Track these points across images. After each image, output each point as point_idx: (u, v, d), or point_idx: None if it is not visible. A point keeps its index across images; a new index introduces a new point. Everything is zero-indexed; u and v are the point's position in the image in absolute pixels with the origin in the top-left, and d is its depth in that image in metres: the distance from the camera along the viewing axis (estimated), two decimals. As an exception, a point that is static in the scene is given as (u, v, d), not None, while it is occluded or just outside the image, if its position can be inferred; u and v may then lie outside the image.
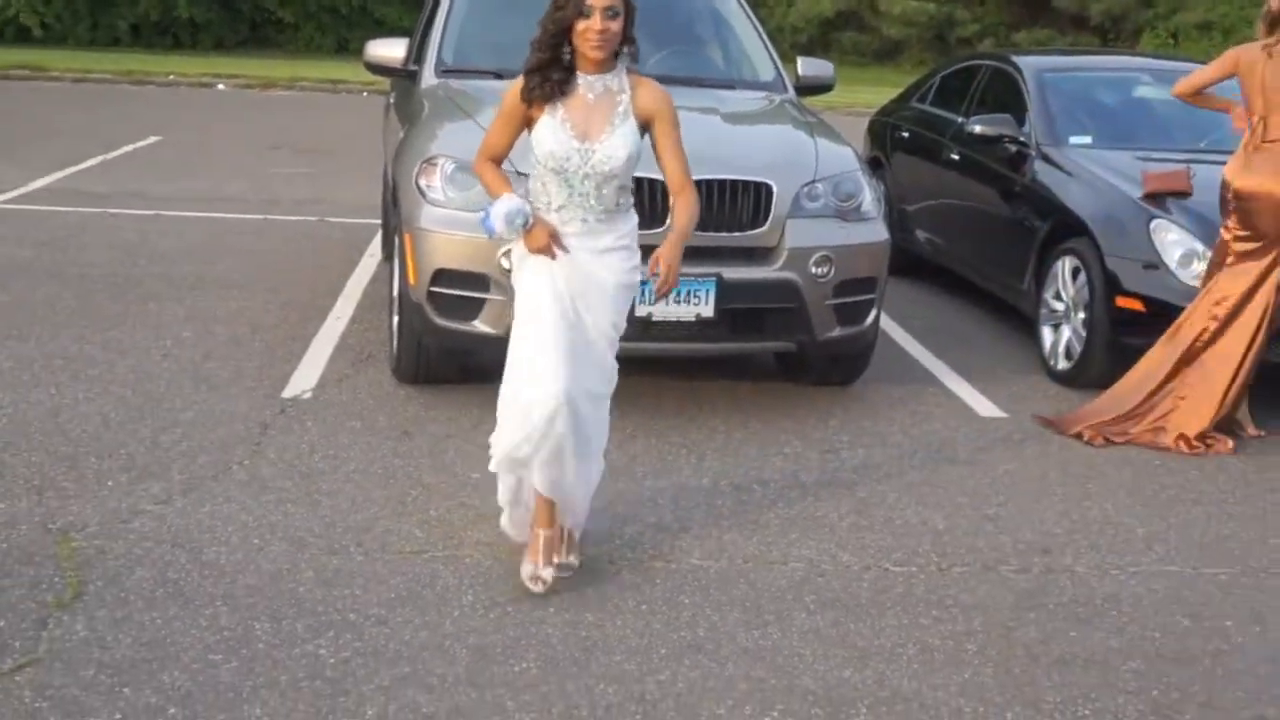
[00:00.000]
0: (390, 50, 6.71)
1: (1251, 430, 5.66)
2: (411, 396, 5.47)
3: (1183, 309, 5.69)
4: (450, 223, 5.12)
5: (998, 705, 3.34)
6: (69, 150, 12.04)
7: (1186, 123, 6.68)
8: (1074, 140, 6.95)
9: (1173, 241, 5.93)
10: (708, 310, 5.12)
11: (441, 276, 5.14)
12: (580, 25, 3.56)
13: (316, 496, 4.39)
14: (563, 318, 3.64)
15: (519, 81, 3.69)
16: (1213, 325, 5.49)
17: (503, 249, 4.46)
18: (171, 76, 20.38)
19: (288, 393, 5.43)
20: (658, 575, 3.97)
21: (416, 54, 6.65)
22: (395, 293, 5.59)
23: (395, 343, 5.61)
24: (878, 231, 5.58)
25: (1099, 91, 7.71)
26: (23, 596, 3.57)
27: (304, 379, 5.61)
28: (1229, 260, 5.52)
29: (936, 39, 29.96)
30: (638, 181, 4.14)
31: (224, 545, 3.97)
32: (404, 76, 6.74)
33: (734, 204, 5.19)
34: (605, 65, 3.65)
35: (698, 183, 3.83)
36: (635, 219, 3.81)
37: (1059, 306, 6.41)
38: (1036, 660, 3.59)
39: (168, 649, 3.35)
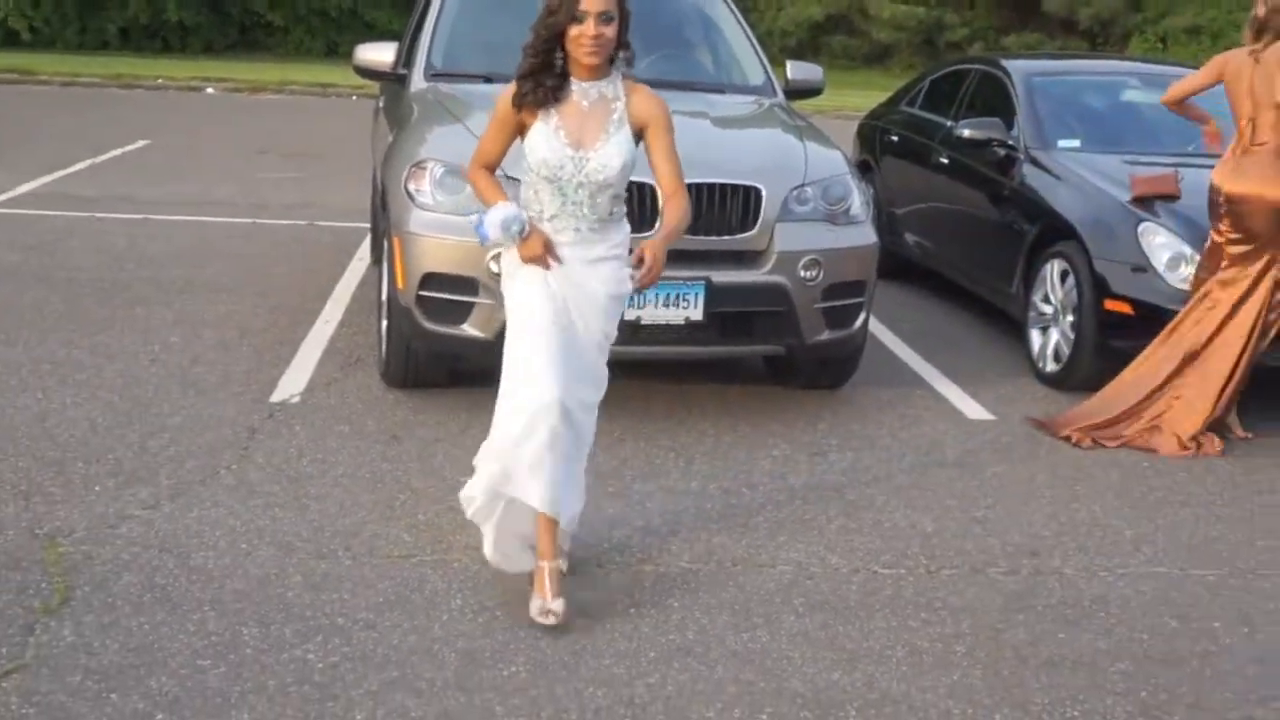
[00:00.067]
0: (379, 54, 6.71)
1: (1239, 432, 5.69)
2: (400, 400, 5.46)
3: (1171, 311, 5.71)
4: (439, 227, 5.11)
5: (986, 707, 3.35)
6: (57, 154, 12.01)
7: (1174, 127, 6.70)
8: (1062, 144, 6.98)
9: (1161, 245, 5.95)
10: (697, 313, 5.13)
11: (430, 280, 5.13)
12: (574, 31, 3.50)
13: (304, 501, 4.38)
14: (556, 321, 3.61)
15: (512, 87, 3.64)
16: (1213, 326, 5.52)
17: (491, 253, 4.45)
18: (160, 80, 20.35)
19: (276, 397, 5.42)
20: (646, 578, 3.97)
21: (406, 58, 6.65)
22: (384, 297, 5.59)
23: (384, 347, 5.60)
24: (866, 235, 5.59)
25: (1087, 95, 7.73)
26: (9, 602, 3.56)
27: (292, 383, 5.60)
28: (1224, 263, 5.54)
29: (926, 43, 30.04)
30: (629, 186, 4.12)
31: (212, 550, 3.96)
32: (393, 80, 6.73)
33: (723, 207, 5.19)
34: (600, 71, 3.60)
35: (687, 186, 3.82)
36: (628, 228, 3.77)
37: (1047, 309, 6.43)
38: (1025, 662, 3.60)
39: (155, 654, 3.34)
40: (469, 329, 5.11)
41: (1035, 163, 6.89)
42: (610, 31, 3.53)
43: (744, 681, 3.39)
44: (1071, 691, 3.45)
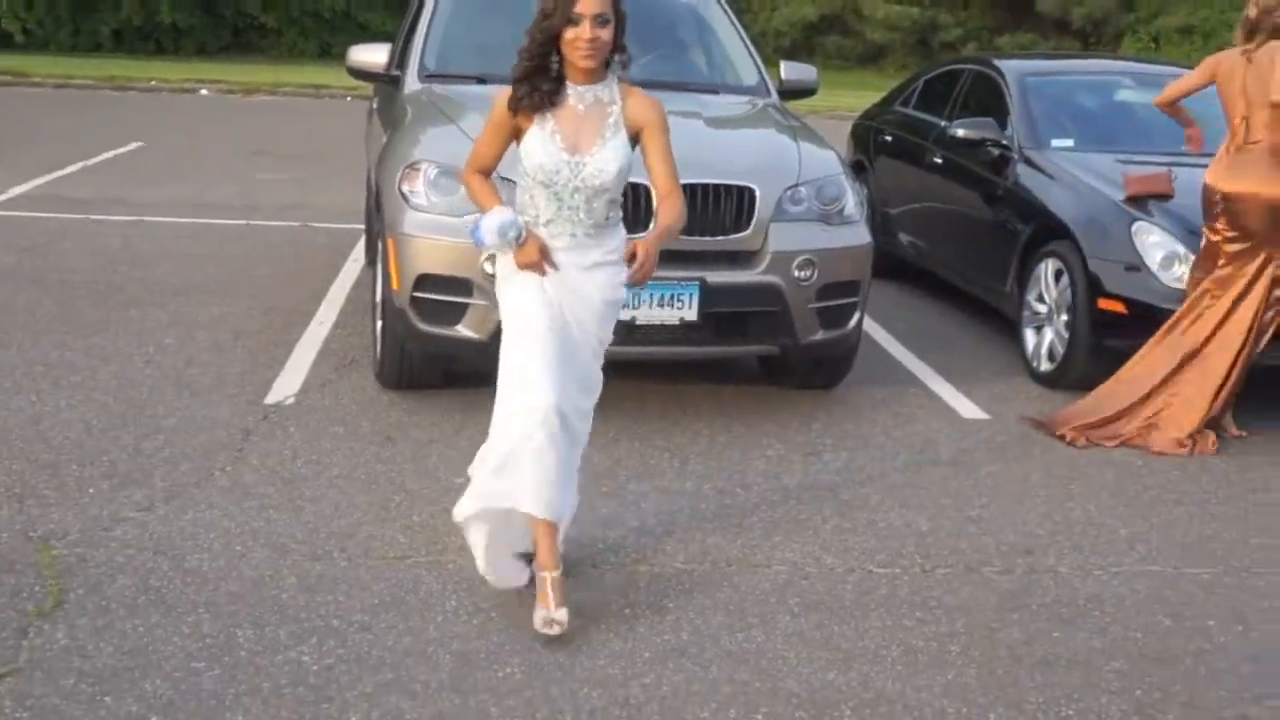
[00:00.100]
0: (373, 55, 6.71)
1: (1234, 431, 5.70)
2: (394, 402, 5.46)
3: (1165, 310, 5.72)
4: (433, 228, 5.11)
5: (981, 706, 3.35)
6: (51, 156, 12.00)
7: (1167, 126, 6.69)
8: (1056, 143, 6.98)
9: (1154, 244, 5.96)
10: (691, 314, 5.13)
11: (424, 281, 5.13)
12: (569, 34, 3.47)
13: (299, 503, 4.38)
14: (551, 327, 3.58)
15: (507, 91, 3.60)
16: (1212, 325, 5.53)
17: (486, 254, 4.44)
18: (154, 82, 20.34)
19: (270, 399, 5.42)
20: (641, 579, 3.97)
21: (399, 59, 6.64)
22: (378, 298, 5.58)
23: (378, 348, 5.60)
24: (861, 235, 5.59)
25: (1081, 95, 7.74)
26: (3, 605, 3.55)
27: (287, 385, 5.60)
28: (1220, 262, 5.55)
29: (920, 43, 30.10)
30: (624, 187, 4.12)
31: (206, 552, 3.96)
32: (387, 82, 6.73)
33: (717, 208, 5.19)
34: (595, 75, 3.56)
35: (681, 187, 3.82)
36: (623, 233, 3.73)
37: (1041, 309, 6.44)
38: (1020, 661, 3.60)
39: (149, 657, 3.33)
40: (463, 330, 5.11)
41: (1029, 162, 6.90)
42: (606, 34, 3.50)
43: (739, 682, 3.39)
44: (1066, 690, 3.45)
